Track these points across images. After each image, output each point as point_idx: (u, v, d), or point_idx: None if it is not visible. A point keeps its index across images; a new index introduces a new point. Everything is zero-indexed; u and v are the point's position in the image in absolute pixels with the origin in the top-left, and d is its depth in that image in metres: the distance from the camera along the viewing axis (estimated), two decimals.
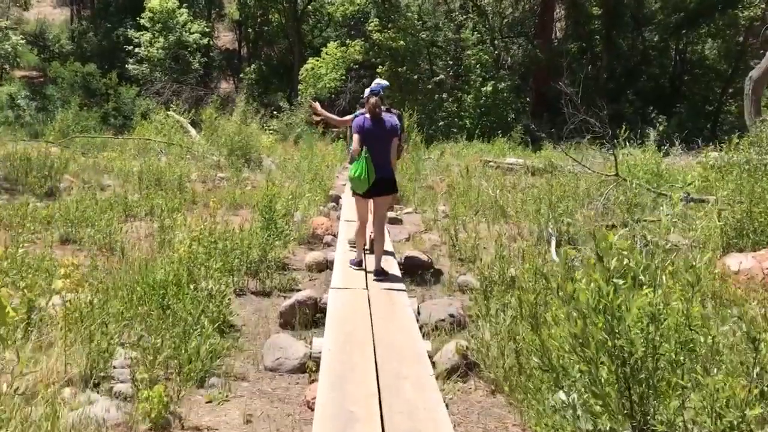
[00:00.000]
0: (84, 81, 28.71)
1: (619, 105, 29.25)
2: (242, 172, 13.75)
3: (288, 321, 5.49)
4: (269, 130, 19.21)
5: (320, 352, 4.34)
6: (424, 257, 7.33)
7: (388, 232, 8.62)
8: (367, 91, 6.58)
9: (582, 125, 16.21)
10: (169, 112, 20.01)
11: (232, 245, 6.73)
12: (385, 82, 7.48)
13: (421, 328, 5.26)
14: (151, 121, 18.72)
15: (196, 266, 5.88)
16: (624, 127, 12.28)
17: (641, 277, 2.85)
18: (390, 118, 6.29)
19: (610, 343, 2.72)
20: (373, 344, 4.41)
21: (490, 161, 18.01)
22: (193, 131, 18.88)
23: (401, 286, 6.02)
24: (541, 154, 19.55)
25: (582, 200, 9.61)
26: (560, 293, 3.10)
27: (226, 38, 42.63)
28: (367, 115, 6.18)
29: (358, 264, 6.54)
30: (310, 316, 5.52)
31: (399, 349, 4.35)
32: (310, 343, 4.75)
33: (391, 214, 10.63)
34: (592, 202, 9.61)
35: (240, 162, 14.49)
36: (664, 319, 2.76)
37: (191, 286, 5.28)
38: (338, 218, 10.01)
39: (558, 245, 8.16)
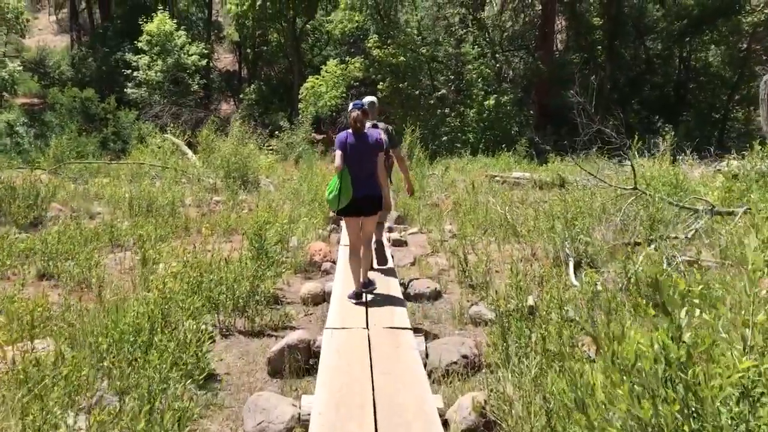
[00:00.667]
0: (82, 106, 28.16)
1: (625, 115, 28.57)
2: (239, 195, 13.05)
3: (277, 368, 4.74)
4: (268, 149, 18.52)
5: (309, 414, 3.58)
6: (431, 285, 6.57)
7: (392, 256, 7.90)
8: (350, 105, 6.12)
9: (592, 136, 15.53)
10: (166, 135, 19.39)
11: (218, 279, 5.99)
12: (369, 99, 7.21)
13: (430, 374, 4.51)
14: (147, 144, 18.07)
15: (175, 306, 5.14)
16: (636, 137, 11.57)
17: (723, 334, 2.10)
18: (374, 133, 5.96)
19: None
20: (373, 403, 3.65)
21: (495, 176, 17.29)
22: (190, 153, 18.25)
23: (403, 313, 5.31)
24: (548, 167, 18.83)
25: (598, 216, 8.85)
26: (605, 349, 2.36)
27: (226, 60, 42.22)
28: (350, 131, 5.86)
29: (357, 297, 5.90)
30: (302, 362, 4.77)
31: (404, 409, 3.59)
32: (299, 398, 3.98)
33: (395, 235, 9.91)
34: (609, 218, 8.84)
35: (236, 184, 13.79)
36: (761, 395, 2.00)
37: (165, 332, 4.54)
38: (338, 242, 9.29)
39: (576, 267, 7.40)
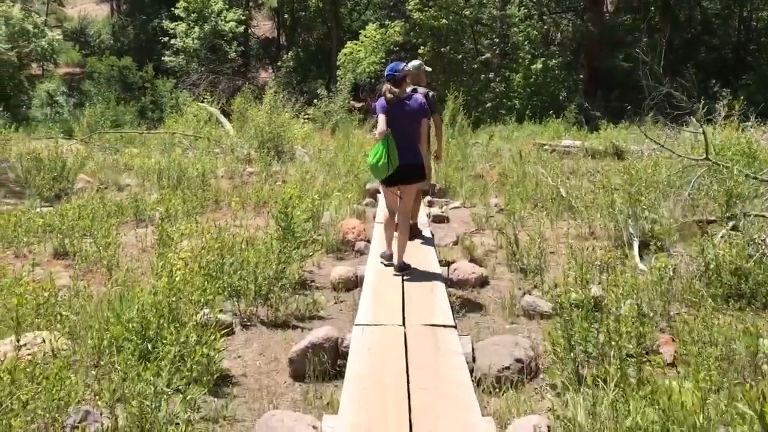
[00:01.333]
0: (120, 75, 27.90)
1: (680, 79, 26.93)
2: (272, 166, 12.41)
3: (300, 371, 4.08)
4: (304, 118, 17.81)
5: None
6: (476, 269, 5.82)
7: (432, 234, 7.17)
8: (386, 71, 5.71)
9: (648, 102, 14.45)
10: (201, 104, 18.87)
11: (240, 262, 5.35)
12: (415, 63, 6.64)
13: (478, 382, 3.80)
14: (182, 113, 17.54)
15: (187, 296, 4.50)
16: (702, 101, 10.53)
17: None
18: (417, 98, 5.62)
19: None
20: (410, 428, 2.96)
21: (544, 144, 16.30)
22: (226, 123, 17.69)
23: (445, 305, 4.61)
24: (600, 135, 17.70)
25: (663, 190, 7.92)
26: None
27: (265, 27, 41.46)
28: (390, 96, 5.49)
29: (389, 258, 5.73)
30: (328, 364, 4.10)
31: None
32: (321, 417, 3.31)
33: (435, 210, 9.17)
34: (676, 192, 7.91)
35: (270, 155, 13.16)
36: None
37: (171, 329, 3.92)
38: (374, 218, 8.58)
39: (642, 248, 6.55)
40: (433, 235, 7.30)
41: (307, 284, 6.02)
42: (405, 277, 5.31)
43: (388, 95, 5.45)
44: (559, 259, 6.56)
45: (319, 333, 4.22)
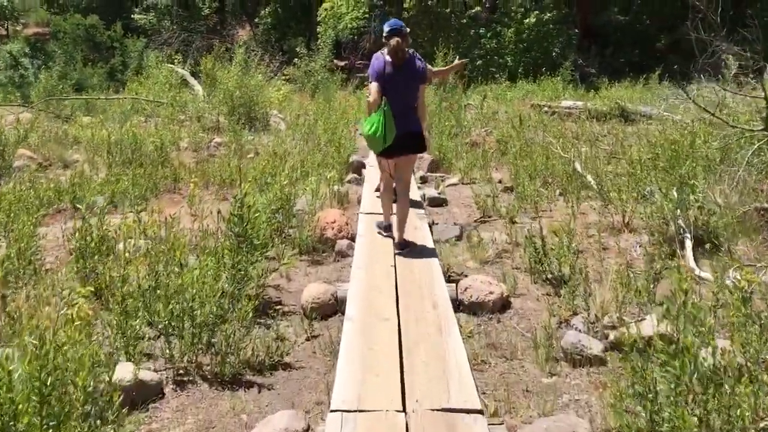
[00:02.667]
0: (87, 34, 25.74)
1: (677, 33, 25.21)
2: (243, 136, 10.76)
3: None
4: (282, 79, 16.02)
5: None
6: (494, 288, 4.32)
7: (430, 226, 5.70)
8: (385, 28, 5.11)
9: (647, 57, 12.90)
10: (169, 65, 17.01)
11: (174, 290, 3.81)
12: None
13: None
14: (147, 75, 15.68)
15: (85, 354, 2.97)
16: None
17: None
18: (416, 62, 5.08)
19: None
20: None
21: (542, 105, 14.72)
22: (198, 86, 15.89)
23: (464, 372, 3.08)
24: (601, 95, 16.12)
25: (708, 167, 6.41)
26: None
27: None
28: (388, 58, 4.96)
29: (387, 229, 5.36)
30: None
31: None
32: None
33: (430, 191, 7.66)
34: (724, 171, 6.41)
35: (241, 122, 11.50)
36: None
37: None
38: (358, 201, 7.04)
39: (695, 245, 5.09)
40: (431, 225, 5.84)
41: (271, 307, 4.50)
42: (401, 308, 3.81)
43: (398, 53, 4.89)
44: (594, 262, 5.08)
45: (276, 424, 2.72)
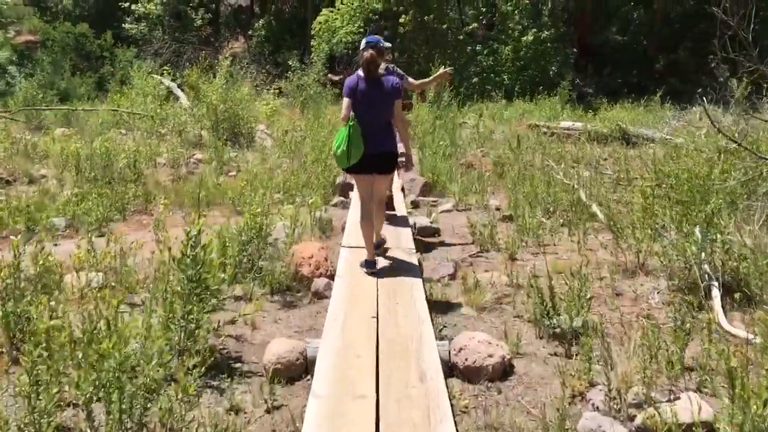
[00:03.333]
0: (77, 43, 25.03)
1: (676, 54, 24.73)
2: (224, 152, 10.06)
3: None
4: (271, 93, 15.29)
5: None
6: (494, 349, 3.58)
7: (419, 261, 5.01)
8: (363, 42, 4.92)
9: (648, 77, 12.32)
10: (154, 75, 16.34)
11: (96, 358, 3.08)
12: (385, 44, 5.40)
13: None
14: (131, 86, 14.97)
15: None
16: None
17: None
18: (390, 78, 4.87)
19: None
20: None
21: (540, 126, 14.07)
22: (184, 98, 15.21)
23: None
24: (600, 115, 15.50)
25: (733, 201, 5.72)
26: None
27: None
28: (361, 74, 4.74)
29: (369, 265, 4.81)
30: None
31: None
32: None
33: (422, 219, 6.94)
34: (747, 207, 5.74)
35: (224, 138, 10.80)
36: None
37: None
38: (342, 228, 6.31)
39: (724, 296, 4.40)
40: (420, 261, 5.13)
41: (229, 365, 3.76)
42: (381, 379, 3.08)
43: (370, 66, 4.67)
44: (607, 311, 4.38)
45: None
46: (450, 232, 6.78)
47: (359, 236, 4.94)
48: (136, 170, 8.67)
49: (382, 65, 5.06)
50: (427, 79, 7.17)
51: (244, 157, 10.57)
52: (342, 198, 8.38)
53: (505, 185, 9.03)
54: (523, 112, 16.35)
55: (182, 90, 15.40)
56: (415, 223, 6.54)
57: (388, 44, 5.70)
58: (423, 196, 8.86)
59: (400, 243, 5.47)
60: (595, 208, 6.77)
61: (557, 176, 8.26)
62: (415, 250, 5.38)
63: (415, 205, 8.04)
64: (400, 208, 6.82)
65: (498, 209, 7.70)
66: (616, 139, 13.02)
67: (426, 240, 6.38)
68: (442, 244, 6.31)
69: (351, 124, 4.64)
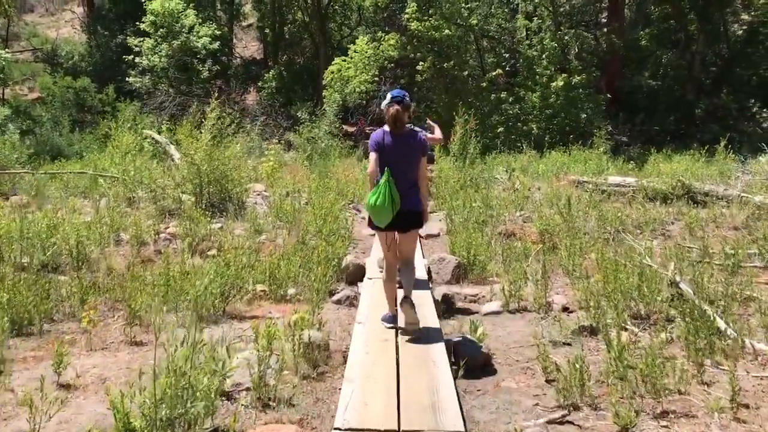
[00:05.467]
0: (77, 98, 23.44)
1: (718, 99, 22.48)
2: (204, 224, 7.88)
3: None
4: (271, 148, 13.17)
5: None
6: None
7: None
8: (387, 97, 4.62)
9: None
10: (146, 131, 14.42)
11: None
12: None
13: None
14: (116, 143, 12.93)
15: None
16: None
17: None
18: (417, 134, 4.68)
19: None
20: None
21: (585, 182, 11.82)
22: (176, 155, 13.21)
23: None
24: (649, 169, 13.22)
25: None
26: None
27: (253, 48, 37.19)
28: (387, 128, 4.53)
29: (392, 320, 4.55)
30: None
31: None
32: None
33: (457, 335, 4.63)
34: None
35: (206, 203, 8.68)
36: None
37: None
38: (344, 360, 4.04)
39: None
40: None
41: None
42: None
43: (396, 123, 4.47)
44: None
45: None
46: (504, 357, 4.47)
47: (372, 377, 2.72)
48: (79, 254, 6.50)
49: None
50: (430, 135, 6.10)
51: (231, 228, 8.40)
52: (350, 290, 6.13)
53: (564, 266, 6.75)
54: (561, 165, 14.10)
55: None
56: (452, 346, 4.25)
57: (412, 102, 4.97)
58: (456, 282, 6.59)
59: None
60: (719, 320, 4.44)
61: (636, 255, 5.94)
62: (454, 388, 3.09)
63: (447, 302, 5.73)
64: (419, 266, 5.81)
65: (567, 310, 5.39)
66: (678, 197, 10.70)
67: (471, 380, 4.04)
68: (498, 387, 3.98)
69: (389, 178, 4.36)
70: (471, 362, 4.06)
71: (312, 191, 9.84)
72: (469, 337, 4.44)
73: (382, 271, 4.94)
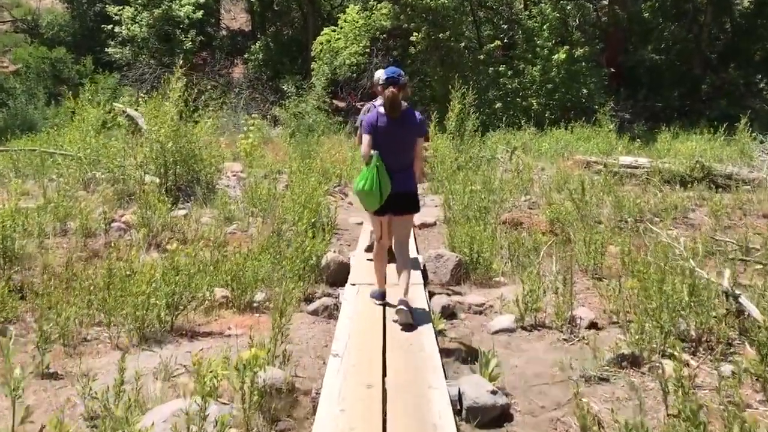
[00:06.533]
0: (53, 69, 22.01)
1: (726, 75, 21.30)
2: (164, 212, 6.72)
3: None
4: (252, 122, 11.92)
5: None
6: None
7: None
8: (379, 74, 4.57)
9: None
10: (117, 104, 13.18)
11: None
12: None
13: None
14: (81, 117, 11.62)
15: None
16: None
17: None
18: (414, 115, 4.35)
19: None
20: None
21: (593, 162, 10.70)
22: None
23: None
24: (660, 147, 12.10)
25: None
26: None
27: (242, 19, 35.66)
28: (381, 110, 4.24)
29: (381, 297, 4.41)
30: None
31: None
32: None
33: (472, 391, 3.53)
34: None
35: (170, 186, 7.52)
36: None
37: None
38: (314, 410, 2.93)
39: None
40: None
41: None
42: None
43: (393, 106, 4.17)
44: None
45: None
46: (526, 400, 3.38)
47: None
48: (5, 249, 5.36)
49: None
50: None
51: (198, 215, 7.25)
52: (329, 296, 5.03)
53: (581, 263, 5.68)
54: (565, 143, 12.95)
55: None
56: (460, 395, 3.15)
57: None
58: (456, 283, 5.50)
59: None
60: (752, 308, 3.37)
61: (674, 258, 4.84)
62: None
63: (447, 314, 4.63)
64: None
65: (595, 326, 4.31)
66: (697, 180, 9.61)
67: None
68: None
69: (378, 163, 4.13)
70: (484, 415, 2.97)
71: (292, 173, 8.67)
72: (478, 377, 3.32)
73: (375, 301, 4.50)
